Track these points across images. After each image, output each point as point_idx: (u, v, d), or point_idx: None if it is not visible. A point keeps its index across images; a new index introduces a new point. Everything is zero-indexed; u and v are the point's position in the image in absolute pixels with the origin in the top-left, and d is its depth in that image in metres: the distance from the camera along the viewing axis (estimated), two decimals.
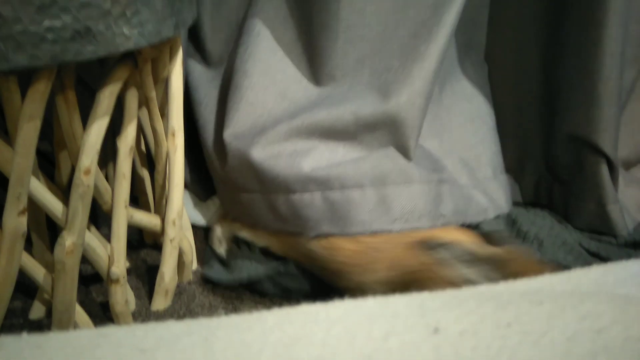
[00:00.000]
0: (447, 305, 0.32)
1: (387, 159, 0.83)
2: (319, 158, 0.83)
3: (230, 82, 0.89)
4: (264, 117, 0.86)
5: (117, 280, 0.75)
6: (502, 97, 1.00)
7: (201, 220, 0.98)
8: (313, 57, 0.88)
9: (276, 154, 0.83)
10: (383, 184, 0.82)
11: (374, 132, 0.84)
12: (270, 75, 0.87)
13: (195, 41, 0.97)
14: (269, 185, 0.83)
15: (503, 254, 0.68)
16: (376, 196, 0.81)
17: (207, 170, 0.95)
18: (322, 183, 0.81)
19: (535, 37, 0.95)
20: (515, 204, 1.00)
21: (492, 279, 0.66)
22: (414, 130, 0.84)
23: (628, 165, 1.04)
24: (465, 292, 0.37)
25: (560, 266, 0.83)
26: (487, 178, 0.95)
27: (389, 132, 0.84)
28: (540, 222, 0.96)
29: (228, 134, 0.86)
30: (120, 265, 0.74)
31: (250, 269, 0.86)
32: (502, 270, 0.67)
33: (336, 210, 0.81)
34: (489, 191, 0.93)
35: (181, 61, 0.79)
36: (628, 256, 0.88)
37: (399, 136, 0.84)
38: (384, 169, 0.82)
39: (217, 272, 0.87)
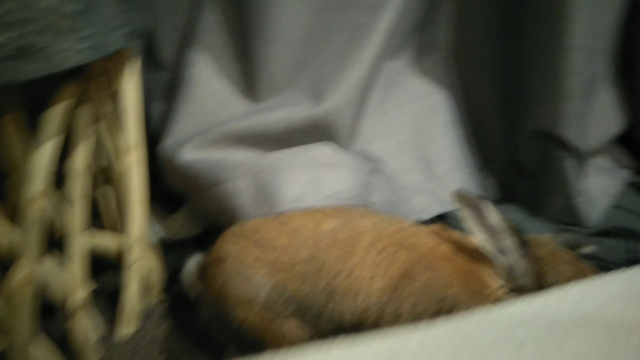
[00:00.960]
0: (419, 355, 0.30)
1: (317, 148, 0.85)
2: (249, 153, 0.84)
3: (174, 91, 0.88)
4: (200, 126, 0.86)
5: (74, 313, 0.70)
6: (466, 94, 1.00)
7: (166, 236, 0.94)
8: (251, 62, 0.87)
9: (206, 155, 0.84)
10: (314, 166, 0.83)
11: (307, 137, 0.85)
12: (211, 84, 0.87)
13: (150, 48, 0.93)
14: (200, 182, 0.84)
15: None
16: (307, 175, 0.82)
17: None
18: (253, 166, 0.82)
19: (498, 33, 0.95)
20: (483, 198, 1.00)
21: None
22: (345, 136, 0.86)
23: (594, 154, 1.05)
24: (442, 334, 0.35)
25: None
26: (437, 176, 0.95)
27: (321, 137, 0.85)
28: (513, 215, 0.96)
29: (167, 144, 0.85)
30: (77, 297, 0.70)
31: None
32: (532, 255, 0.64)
33: (266, 191, 0.81)
34: (437, 188, 0.94)
35: (138, 72, 0.75)
36: (598, 245, 0.89)
37: (331, 141, 0.86)
38: (314, 155, 0.83)
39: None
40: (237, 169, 0.82)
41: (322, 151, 0.85)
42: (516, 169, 1.00)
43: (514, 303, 0.36)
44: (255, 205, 0.80)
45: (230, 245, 0.69)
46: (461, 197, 0.65)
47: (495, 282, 0.63)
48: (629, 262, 0.86)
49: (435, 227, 0.71)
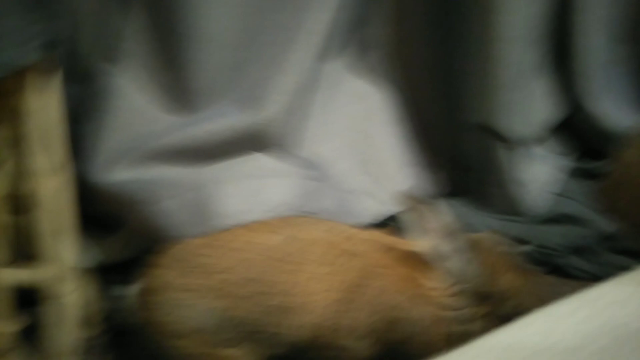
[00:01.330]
0: None
1: (257, 159, 0.82)
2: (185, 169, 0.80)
3: (99, 106, 0.83)
4: (130, 143, 0.81)
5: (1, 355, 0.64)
6: (408, 91, 0.99)
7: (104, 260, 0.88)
8: (180, 71, 0.83)
9: (139, 174, 0.79)
10: (254, 178, 0.81)
11: (246, 148, 0.82)
12: (138, 96, 0.82)
13: (70, 60, 0.86)
14: (134, 203, 0.80)
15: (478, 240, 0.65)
16: (248, 188, 0.79)
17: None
18: (189, 183, 0.79)
19: (434, 29, 0.95)
20: (431, 197, 1.00)
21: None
22: (287, 144, 0.84)
23: (532, 143, 1.07)
24: None
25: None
26: (384, 177, 0.94)
27: (261, 147, 0.83)
28: (460, 210, 0.96)
29: (95, 164, 0.80)
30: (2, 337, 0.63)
31: None
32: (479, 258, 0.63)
33: (205, 208, 0.78)
34: (385, 190, 0.93)
35: (59, 87, 0.69)
36: (541, 233, 0.90)
37: (272, 150, 0.84)
38: (254, 166, 0.81)
39: None
40: (173, 187, 0.78)
41: (262, 161, 0.82)
42: (460, 163, 1.01)
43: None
44: (194, 223, 0.76)
45: (167, 271, 0.65)
46: (406, 200, 0.63)
47: (440, 286, 0.62)
48: (573, 249, 0.88)
49: (383, 232, 0.70)
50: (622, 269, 0.85)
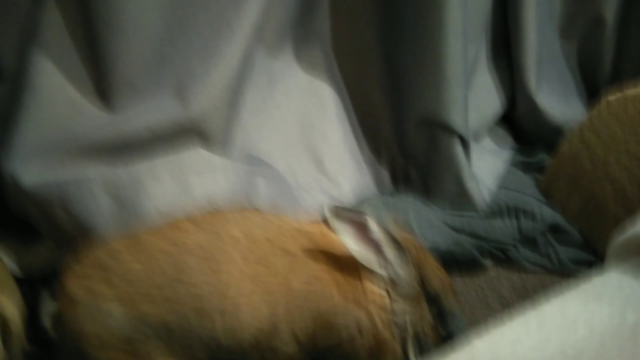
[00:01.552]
0: None
1: (185, 156, 0.77)
2: (108, 168, 0.75)
3: (15, 102, 0.76)
4: (48, 141, 0.75)
5: None
6: (353, 86, 0.97)
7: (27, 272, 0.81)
8: (103, 64, 0.77)
9: (58, 174, 0.74)
10: (181, 174, 0.76)
11: (174, 144, 0.78)
12: (57, 90, 0.76)
13: None
14: (52, 205, 0.74)
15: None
16: (173, 185, 0.75)
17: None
18: (111, 182, 0.74)
19: (376, 23, 0.93)
20: (380, 191, 0.99)
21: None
22: (218, 140, 0.80)
23: (477, 137, 1.08)
24: None
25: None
26: (329, 172, 0.92)
27: (191, 143, 0.78)
28: (404, 206, 0.95)
29: (10, 164, 0.74)
30: None
31: None
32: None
33: (129, 208, 0.73)
34: (330, 185, 0.91)
35: None
36: (490, 227, 0.91)
37: (202, 146, 0.79)
38: (181, 163, 0.76)
39: None
40: (94, 187, 0.72)
41: (190, 158, 0.77)
42: (408, 158, 1.00)
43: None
44: (117, 225, 0.71)
45: (80, 280, 0.59)
46: (338, 214, 0.61)
47: (376, 290, 0.62)
48: (522, 241, 0.89)
49: (319, 227, 0.67)
50: (570, 260, 0.87)
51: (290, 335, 0.60)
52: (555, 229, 0.90)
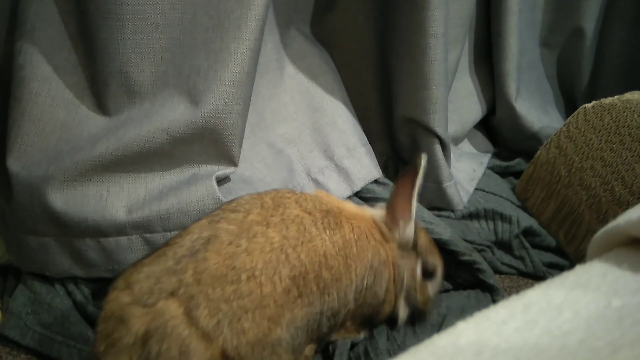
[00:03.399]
0: None
1: (211, 189, 0.75)
2: (134, 196, 0.72)
3: (8, 92, 0.72)
4: (55, 139, 0.71)
5: None
6: (346, 82, 0.97)
7: None
8: (101, 53, 0.72)
9: (80, 197, 0.70)
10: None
11: (192, 145, 0.75)
12: (54, 81, 0.71)
13: None
14: (73, 229, 0.70)
15: None
16: None
17: None
18: (141, 227, 0.71)
19: (371, 21, 0.93)
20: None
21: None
22: (236, 136, 0.77)
23: (457, 140, 1.08)
24: None
25: None
26: (339, 157, 0.91)
27: (208, 142, 0.76)
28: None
29: (13, 162, 0.70)
30: None
31: None
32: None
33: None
34: (341, 170, 0.90)
35: None
36: (467, 228, 0.91)
37: (220, 145, 0.77)
38: (207, 204, 0.74)
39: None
40: (125, 227, 0.70)
41: (213, 193, 0.76)
42: (395, 153, 1.00)
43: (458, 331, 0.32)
44: None
45: None
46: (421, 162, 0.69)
47: (395, 247, 0.68)
48: (497, 243, 0.89)
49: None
50: (543, 263, 0.88)
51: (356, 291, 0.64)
52: (529, 233, 0.91)
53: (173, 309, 0.52)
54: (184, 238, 0.57)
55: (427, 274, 0.70)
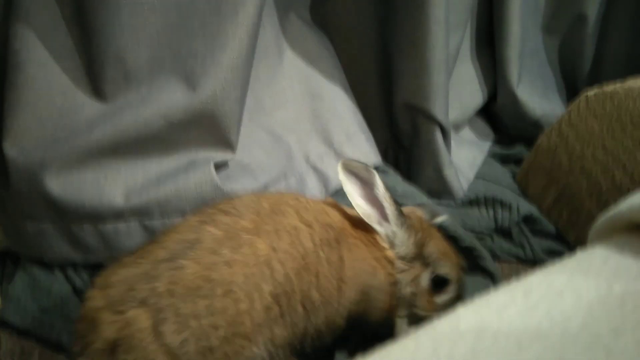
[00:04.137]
0: None
1: (208, 176, 0.74)
2: (131, 182, 0.71)
3: (3, 78, 0.71)
4: (52, 125, 0.71)
5: None
6: (346, 68, 0.96)
7: None
8: (97, 37, 0.71)
9: (77, 182, 0.70)
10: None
11: (190, 131, 0.75)
12: (50, 66, 0.70)
13: None
14: (70, 215, 0.70)
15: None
16: None
17: None
18: (140, 213, 0.71)
19: (372, 6, 0.92)
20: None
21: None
22: (234, 122, 0.76)
23: (458, 127, 1.08)
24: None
25: None
26: (338, 143, 0.91)
27: (207, 128, 0.75)
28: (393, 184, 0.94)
29: (10, 146, 0.69)
30: None
31: None
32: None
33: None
34: (340, 157, 0.90)
35: None
36: (467, 216, 0.91)
37: (218, 131, 0.76)
38: (205, 190, 0.73)
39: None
40: (123, 213, 0.70)
41: (211, 179, 0.75)
42: (395, 140, 1.00)
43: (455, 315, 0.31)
44: None
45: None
46: (347, 167, 0.64)
47: (391, 253, 0.64)
48: (497, 230, 0.89)
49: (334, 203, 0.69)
50: (543, 251, 0.88)
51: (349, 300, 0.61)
52: (529, 220, 0.91)
53: (142, 320, 0.51)
54: (169, 237, 0.56)
55: (438, 284, 0.64)
